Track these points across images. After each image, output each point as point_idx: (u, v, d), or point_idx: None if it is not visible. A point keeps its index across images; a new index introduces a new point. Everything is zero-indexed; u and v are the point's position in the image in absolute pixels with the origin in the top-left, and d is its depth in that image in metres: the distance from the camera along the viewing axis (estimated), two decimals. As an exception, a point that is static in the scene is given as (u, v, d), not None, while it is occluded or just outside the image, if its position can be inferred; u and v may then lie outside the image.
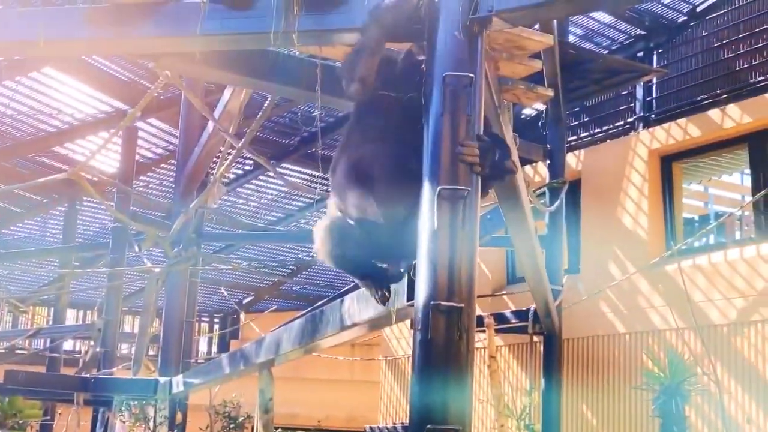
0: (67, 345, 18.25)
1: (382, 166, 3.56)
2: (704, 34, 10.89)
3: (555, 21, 7.63)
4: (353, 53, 3.61)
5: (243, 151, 8.47)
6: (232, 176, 14.92)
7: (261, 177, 15.43)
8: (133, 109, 8.19)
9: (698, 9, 11.07)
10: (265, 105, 7.12)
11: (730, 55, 10.49)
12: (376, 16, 3.59)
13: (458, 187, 3.31)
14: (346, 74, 3.59)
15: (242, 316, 19.24)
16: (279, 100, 11.44)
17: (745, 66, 10.27)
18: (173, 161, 12.84)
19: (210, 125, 8.93)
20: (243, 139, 7.46)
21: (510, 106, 4.88)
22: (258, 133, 11.95)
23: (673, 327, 9.54)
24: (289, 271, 20.12)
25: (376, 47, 3.59)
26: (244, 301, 20.45)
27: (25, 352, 17.17)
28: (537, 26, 6.62)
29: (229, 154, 9.56)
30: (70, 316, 19.95)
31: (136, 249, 11.53)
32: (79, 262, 17.74)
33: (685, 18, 11.16)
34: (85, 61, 11.90)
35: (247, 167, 15.19)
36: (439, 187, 3.30)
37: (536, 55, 4.58)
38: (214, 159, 10.80)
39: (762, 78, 10.05)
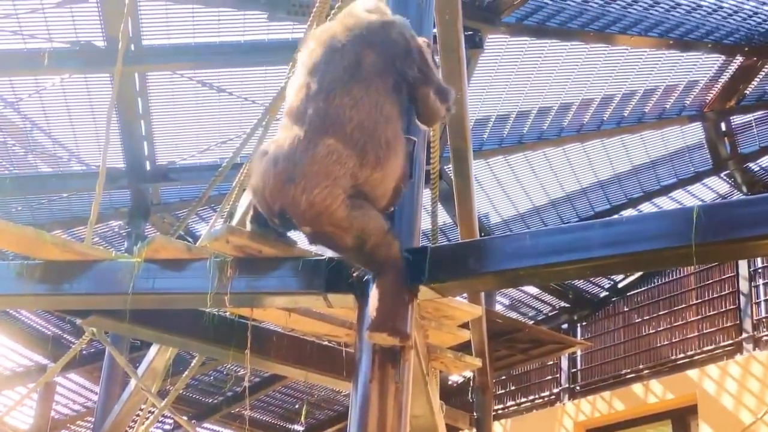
0: None
1: None
2: (625, 309, 11.22)
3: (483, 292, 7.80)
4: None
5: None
6: (150, 436, 14.43)
7: (181, 437, 14.96)
8: (54, 366, 8.01)
9: (619, 285, 11.46)
10: (192, 364, 7.03)
11: (651, 332, 10.76)
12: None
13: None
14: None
15: None
16: (205, 358, 11.30)
17: (666, 343, 10.52)
18: (91, 418, 12.41)
19: (132, 383, 8.72)
20: (166, 399, 7.28)
21: (437, 372, 4.88)
22: (181, 391, 11.69)
23: None
24: None
25: None
26: None
27: None
28: (465, 295, 6.77)
29: (151, 412, 9.29)
30: None
31: None
32: None
33: (607, 293, 11.52)
34: (8, 313, 11.71)
35: (167, 426, 14.74)
36: None
37: (464, 324, 4.64)
38: (134, 417, 10.47)
39: (682, 355, 10.27)
